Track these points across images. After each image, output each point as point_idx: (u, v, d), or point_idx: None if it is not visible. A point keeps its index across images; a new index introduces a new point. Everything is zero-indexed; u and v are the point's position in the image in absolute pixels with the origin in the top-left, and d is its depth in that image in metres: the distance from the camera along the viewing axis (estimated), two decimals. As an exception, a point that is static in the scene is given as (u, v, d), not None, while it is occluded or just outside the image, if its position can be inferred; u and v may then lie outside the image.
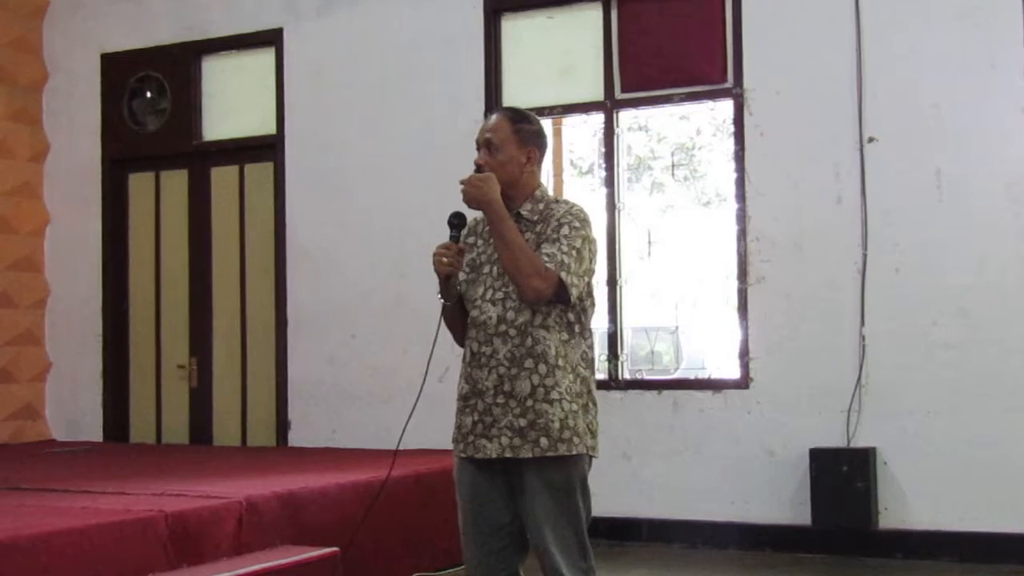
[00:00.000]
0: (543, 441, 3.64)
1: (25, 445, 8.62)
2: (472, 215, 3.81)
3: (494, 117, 3.84)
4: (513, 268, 3.61)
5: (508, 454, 3.65)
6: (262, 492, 5.49)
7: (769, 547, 6.82)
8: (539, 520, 3.66)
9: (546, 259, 3.62)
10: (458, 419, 3.77)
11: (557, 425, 3.65)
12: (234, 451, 8.13)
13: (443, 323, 3.83)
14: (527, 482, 3.67)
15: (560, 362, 3.69)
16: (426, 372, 3.97)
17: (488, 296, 3.71)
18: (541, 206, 3.78)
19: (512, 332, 3.67)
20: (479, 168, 3.73)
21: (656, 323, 12.19)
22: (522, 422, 3.65)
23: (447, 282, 3.73)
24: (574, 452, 3.66)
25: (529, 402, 3.65)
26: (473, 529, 3.76)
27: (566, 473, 3.68)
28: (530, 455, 3.64)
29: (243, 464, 7.00)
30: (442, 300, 3.76)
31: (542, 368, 3.67)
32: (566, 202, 3.83)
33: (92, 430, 8.86)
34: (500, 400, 3.67)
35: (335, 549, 5.27)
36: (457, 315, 3.80)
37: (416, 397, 3.96)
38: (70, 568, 4.44)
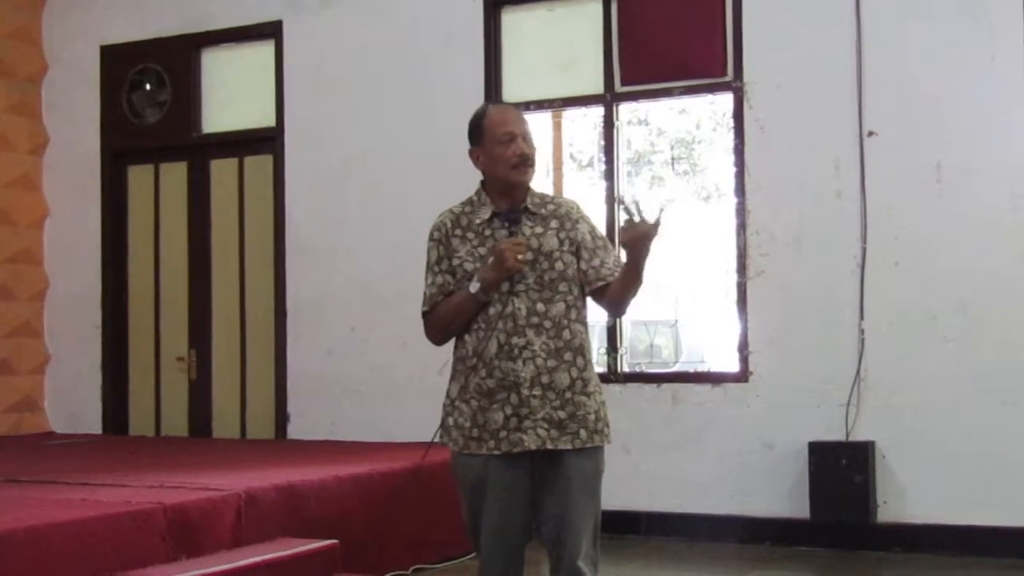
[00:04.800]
0: (582, 433, 3.67)
1: (24, 437, 8.63)
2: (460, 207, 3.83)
3: (512, 111, 3.80)
4: (631, 299, 3.76)
5: (548, 445, 3.63)
6: (261, 484, 5.50)
7: (768, 540, 6.82)
8: (565, 510, 3.65)
9: (613, 268, 3.75)
10: (480, 417, 3.67)
11: (593, 417, 3.70)
12: (233, 444, 8.13)
13: (445, 320, 3.75)
14: (559, 473, 3.66)
15: (592, 356, 3.79)
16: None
17: (506, 288, 3.66)
18: (537, 200, 3.81)
19: (547, 324, 3.67)
20: (529, 157, 3.72)
21: (655, 317, 12.18)
22: (561, 414, 3.65)
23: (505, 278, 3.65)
24: (606, 443, 3.73)
25: (568, 394, 3.67)
26: (499, 528, 3.69)
27: (595, 464, 3.72)
28: (569, 447, 3.65)
29: (242, 457, 7.01)
30: (480, 295, 3.63)
31: (580, 361, 3.71)
32: (561, 197, 3.94)
33: (91, 422, 8.86)
34: (537, 392, 3.64)
35: (334, 541, 5.27)
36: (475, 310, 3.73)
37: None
38: (69, 560, 4.45)
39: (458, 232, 3.76)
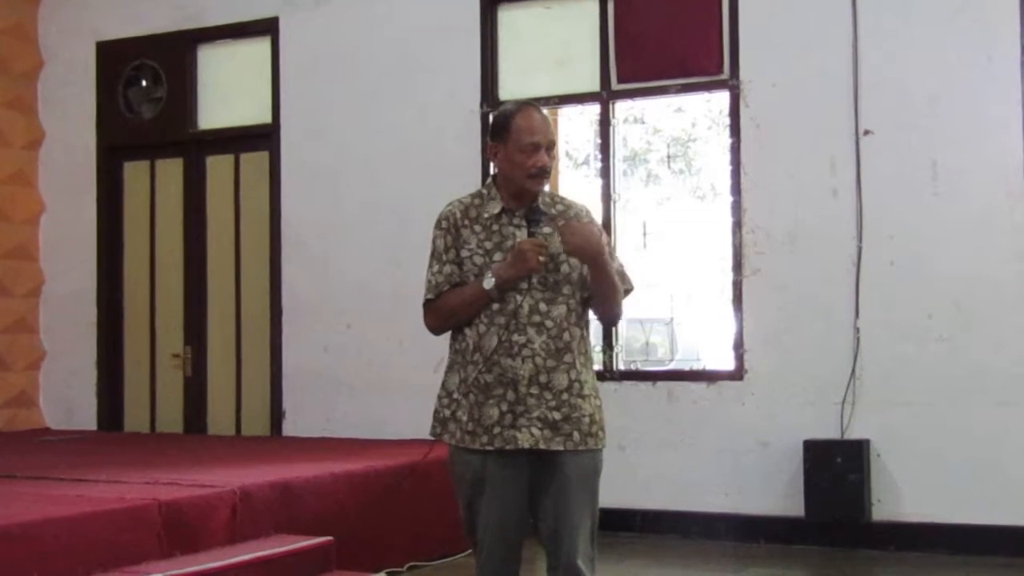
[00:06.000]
0: (575, 435, 3.66)
1: (19, 433, 8.62)
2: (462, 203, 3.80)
3: (540, 117, 3.74)
4: (613, 300, 3.76)
5: (542, 445, 3.62)
6: (256, 481, 5.50)
7: (762, 538, 6.83)
8: (563, 508, 3.65)
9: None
10: (476, 411, 3.66)
11: (587, 420, 3.69)
12: (228, 440, 8.13)
13: (452, 311, 3.71)
14: (557, 472, 3.66)
15: (587, 358, 3.77)
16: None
17: (508, 286, 3.64)
18: (547, 199, 3.80)
19: (549, 324, 3.66)
20: (548, 169, 3.70)
21: (651, 314, 12.18)
22: (556, 415, 3.64)
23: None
24: (600, 447, 3.72)
25: (565, 396, 3.66)
26: (498, 526, 3.68)
27: (593, 463, 3.72)
28: (561, 448, 3.64)
29: (237, 453, 7.01)
30: (494, 291, 3.62)
31: (578, 363, 3.71)
32: (571, 199, 3.91)
33: (86, 418, 8.86)
34: (534, 391, 3.63)
35: (329, 538, 5.27)
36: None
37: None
38: (64, 556, 4.45)
39: (467, 223, 3.75)
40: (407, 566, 6.12)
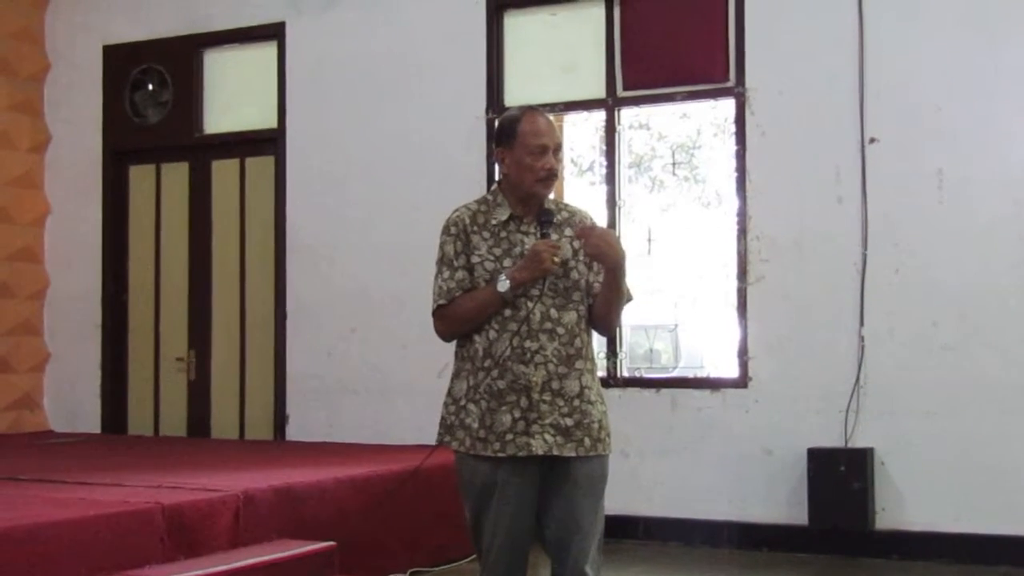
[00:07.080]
0: (586, 441, 3.67)
1: (23, 435, 8.62)
2: (470, 209, 3.80)
3: (547, 121, 3.75)
4: (619, 309, 3.78)
5: (555, 452, 3.63)
6: (259, 485, 5.49)
7: (766, 546, 6.82)
8: (572, 514, 3.65)
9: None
10: (488, 418, 3.65)
11: (597, 426, 3.71)
12: (232, 444, 8.13)
13: (465, 317, 3.69)
14: (566, 478, 3.66)
15: (594, 364, 3.79)
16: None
17: (521, 291, 3.64)
18: (553, 207, 3.80)
19: (560, 331, 3.67)
20: (554, 172, 3.71)
21: (655, 321, 12.18)
22: (568, 421, 3.65)
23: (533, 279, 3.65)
24: (607, 452, 3.74)
25: (576, 402, 3.68)
26: (508, 533, 3.67)
27: (601, 469, 3.73)
28: (573, 454, 3.65)
29: (240, 457, 7.01)
30: (508, 294, 3.61)
31: (588, 370, 3.73)
32: (575, 206, 3.92)
33: (90, 421, 8.86)
34: (547, 397, 3.64)
35: (332, 543, 5.27)
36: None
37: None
38: (67, 559, 4.45)
39: (476, 229, 3.74)
40: (409, 571, 6.11)
